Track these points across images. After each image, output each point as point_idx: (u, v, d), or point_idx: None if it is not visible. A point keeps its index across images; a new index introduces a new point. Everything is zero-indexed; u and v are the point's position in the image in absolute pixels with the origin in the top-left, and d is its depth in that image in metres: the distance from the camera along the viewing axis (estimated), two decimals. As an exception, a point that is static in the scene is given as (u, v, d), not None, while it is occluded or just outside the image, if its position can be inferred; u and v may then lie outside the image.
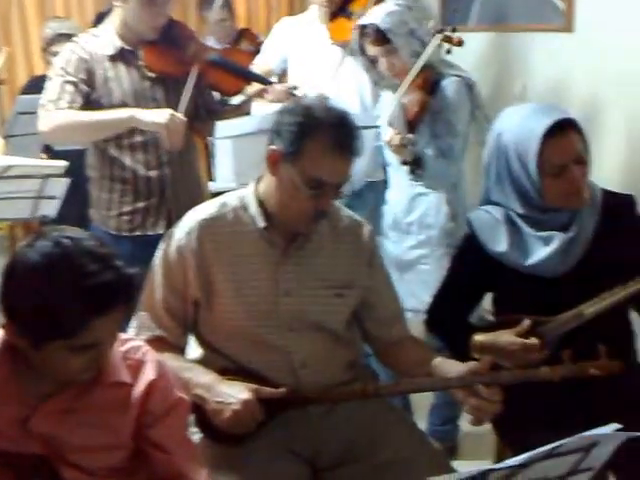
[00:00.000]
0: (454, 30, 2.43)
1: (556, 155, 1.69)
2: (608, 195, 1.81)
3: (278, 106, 1.75)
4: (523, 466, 1.13)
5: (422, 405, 2.64)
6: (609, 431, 1.21)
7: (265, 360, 1.65)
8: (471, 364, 1.57)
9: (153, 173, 2.48)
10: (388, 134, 2.35)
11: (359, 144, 1.61)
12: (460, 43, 2.41)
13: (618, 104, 2.64)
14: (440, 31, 2.43)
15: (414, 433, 1.71)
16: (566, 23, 2.83)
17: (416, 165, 2.36)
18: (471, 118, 2.47)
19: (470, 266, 1.85)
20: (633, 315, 1.85)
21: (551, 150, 1.69)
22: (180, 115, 2.36)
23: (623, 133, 2.63)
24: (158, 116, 2.34)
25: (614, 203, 1.79)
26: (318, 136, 1.57)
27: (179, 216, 1.81)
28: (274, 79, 2.80)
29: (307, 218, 1.62)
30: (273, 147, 1.62)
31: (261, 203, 1.68)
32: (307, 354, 1.66)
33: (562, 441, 1.15)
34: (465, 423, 2.65)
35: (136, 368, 1.39)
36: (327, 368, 1.67)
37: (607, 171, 2.56)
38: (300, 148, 1.57)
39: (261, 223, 1.66)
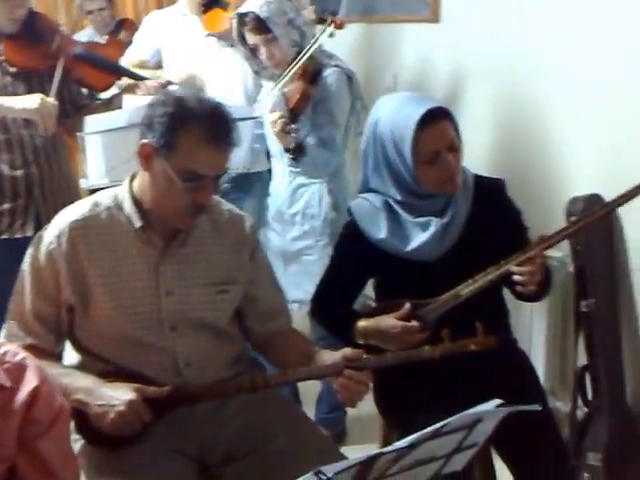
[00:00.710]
0: (333, 14, 2.48)
1: (430, 143, 1.74)
2: (480, 180, 1.88)
3: (149, 99, 1.69)
4: (411, 447, 1.16)
5: (310, 394, 2.66)
6: (491, 407, 1.26)
7: (148, 362, 1.60)
8: (345, 350, 1.59)
9: (19, 173, 2.37)
10: (273, 115, 2.35)
11: (235, 135, 1.58)
12: (342, 25, 2.44)
13: (484, 92, 2.75)
14: (320, 20, 2.47)
15: (303, 423, 1.71)
16: (432, 14, 2.91)
17: (299, 152, 2.37)
18: (351, 109, 2.50)
19: (352, 254, 1.88)
20: (506, 293, 1.93)
21: (425, 138, 1.73)
22: (51, 99, 2.27)
23: (489, 120, 2.75)
24: (28, 101, 2.24)
25: (485, 187, 1.87)
26: (191, 127, 1.52)
27: (49, 218, 1.72)
28: (148, 72, 2.72)
29: (184, 213, 1.57)
30: (145, 141, 1.56)
31: (136, 201, 1.61)
32: (191, 353, 1.63)
33: (447, 420, 1.19)
34: (352, 409, 2.70)
35: (16, 372, 1.31)
36: (212, 365, 1.65)
37: (477, 157, 2.67)
38: (173, 140, 1.52)
39: (137, 222, 1.60)
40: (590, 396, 2.31)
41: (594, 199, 2.25)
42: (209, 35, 2.79)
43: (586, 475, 2.22)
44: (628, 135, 2.20)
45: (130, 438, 1.52)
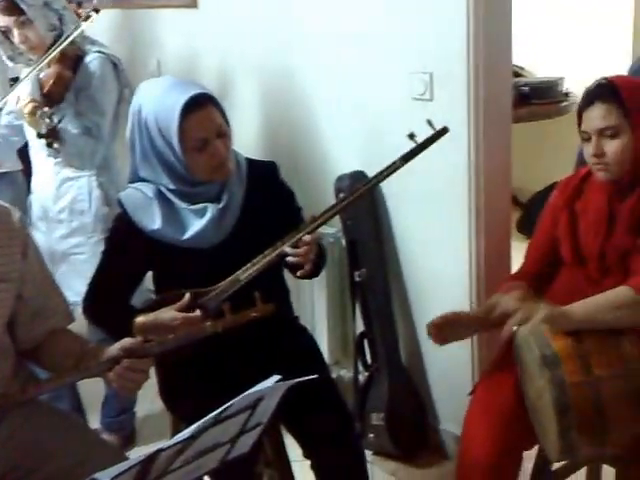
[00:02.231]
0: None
1: (197, 130, 1.71)
2: (252, 163, 1.89)
3: None
4: (193, 438, 1.14)
5: (94, 401, 2.54)
6: (271, 383, 1.28)
7: None
8: (123, 341, 1.50)
9: None
10: (22, 101, 2.22)
11: None
12: (96, 11, 2.31)
13: (250, 77, 2.78)
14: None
15: (85, 435, 1.61)
16: (190, -1, 2.89)
17: (52, 137, 2.23)
18: (120, 97, 2.41)
19: (125, 247, 1.81)
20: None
21: (191, 125, 1.70)
22: None
23: (258, 104, 2.78)
24: None
25: (259, 170, 1.88)
26: None
27: None
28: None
29: None
30: None
31: None
32: None
33: (228, 404, 1.18)
34: (141, 408, 2.62)
35: None
36: None
37: (248, 141, 2.70)
38: None
39: None
40: (369, 360, 2.45)
41: (359, 176, 2.38)
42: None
43: (371, 435, 2.36)
44: (383, 119, 2.34)
45: None
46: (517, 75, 4.28)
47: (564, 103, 3.95)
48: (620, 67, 2.47)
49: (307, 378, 1.32)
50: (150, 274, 1.90)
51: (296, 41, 2.56)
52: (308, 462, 1.80)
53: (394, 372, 2.41)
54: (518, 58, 4.40)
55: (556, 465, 1.92)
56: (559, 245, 1.80)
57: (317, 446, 1.77)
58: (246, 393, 1.22)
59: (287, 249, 1.67)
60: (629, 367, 1.48)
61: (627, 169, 1.64)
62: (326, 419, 1.76)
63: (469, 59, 2.07)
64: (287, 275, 1.97)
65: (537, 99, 3.86)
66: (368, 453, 2.36)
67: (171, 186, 1.78)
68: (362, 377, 2.47)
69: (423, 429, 2.43)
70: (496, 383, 1.76)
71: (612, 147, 1.63)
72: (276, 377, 1.28)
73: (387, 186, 2.36)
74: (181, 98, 1.70)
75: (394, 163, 1.74)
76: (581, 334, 1.53)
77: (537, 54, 4.41)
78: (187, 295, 1.71)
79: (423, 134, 1.74)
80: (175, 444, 1.10)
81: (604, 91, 1.66)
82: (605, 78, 1.69)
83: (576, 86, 3.88)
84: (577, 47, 4.21)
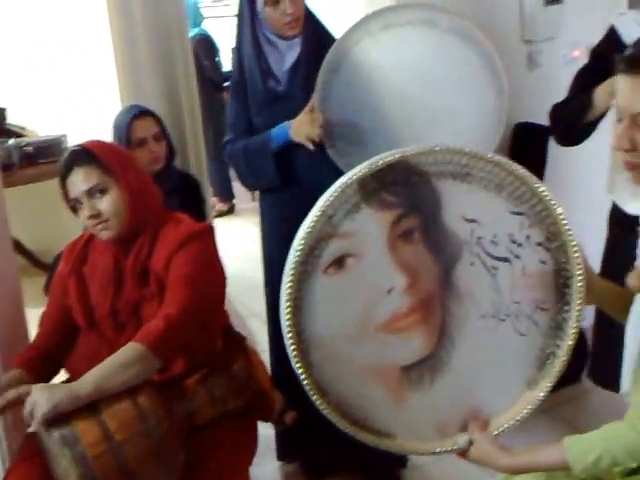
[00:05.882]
0: None
1: None
2: None
3: None
4: None
5: None
6: None
7: None
8: None
9: None
10: None
11: None
12: None
13: None
14: None
15: None
16: None
17: None
18: None
19: None
20: None
21: None
22: None
23: None
24: None
25: None
26: None
27: None
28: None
29: None
30: None
31: None
32: None
33: None
34: None
35: None
36: None
37: None
38: None
39: None
40: None
41: None
42: None
43: None
44: None
45: None
46: (19, 135, 4.18)
47: (68, 160, 3.98)
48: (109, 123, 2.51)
49: None
50: None
51: None
52: None
53: None
54: (18, 118, 4.28)
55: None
56: (72, 312, 1.75)
57: None
58: None
59: None
60: (148, 423, 1.47)
61: (126, 221, 1.69)
62: None
63: None
64: None
65: (43, 158, 3.85)
66: None
67: None
68: None
69: None
70: (22, 475, 1.60)
71: (104, 203, 1.68)
72: None
73: None
74: None
75: None
76: (97, 403, 1.47)
77: (38, 114, 4.33)
78: None
79: None
80: None
81: (80, 156, 1.70)
82: (78, 145, 1.73)
83: (78, 141, 3.91)
84: (74, 105, 4.27)
